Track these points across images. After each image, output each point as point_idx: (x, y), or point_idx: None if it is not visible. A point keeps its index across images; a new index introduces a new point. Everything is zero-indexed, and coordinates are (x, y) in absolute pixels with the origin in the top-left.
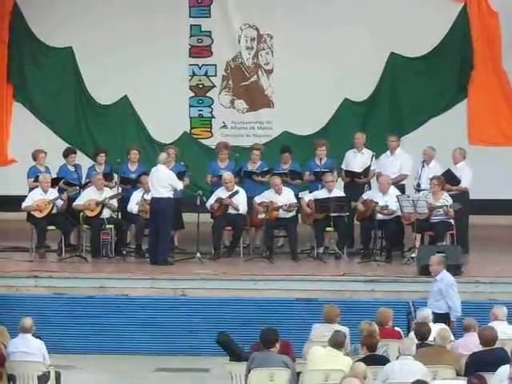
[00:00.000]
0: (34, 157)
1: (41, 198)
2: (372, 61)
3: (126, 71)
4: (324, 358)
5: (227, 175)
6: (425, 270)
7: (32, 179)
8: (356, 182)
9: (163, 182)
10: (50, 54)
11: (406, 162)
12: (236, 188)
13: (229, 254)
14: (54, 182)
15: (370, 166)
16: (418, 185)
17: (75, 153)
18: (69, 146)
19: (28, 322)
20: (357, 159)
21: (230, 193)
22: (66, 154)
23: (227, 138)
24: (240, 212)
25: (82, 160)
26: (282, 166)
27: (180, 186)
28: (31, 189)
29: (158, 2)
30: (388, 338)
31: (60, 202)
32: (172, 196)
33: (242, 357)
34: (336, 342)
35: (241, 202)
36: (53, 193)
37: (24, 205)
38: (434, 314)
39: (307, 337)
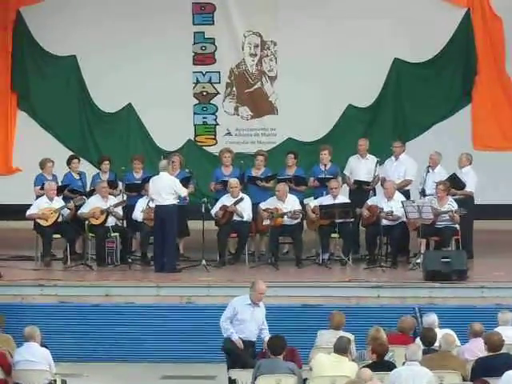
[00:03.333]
0: (42, 166)
1: (46, 207)
2: (376, 67)
3: (130, 79)
4: (329, 364)
5: (233, 181)
6: (430, 276)
7: (38, 187)
8: (362, 189)
9: (167, 189)
10: (53, 63)
11: (411, 168)
12: (241, 195)
13: (234, 261)
14: (60, 190)
15: (378, 174)
16: (423, 190)
17: (77, 159)
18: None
19: (31, 330)
20: (361, 165)
21: (235, 200)
22: (69, 160)
23: (231, 145)
24: (245, 219)
25: (86, 168)
26: (286, 171)
27: (184, 192)
28: (37, 197)
29: (161, 10)
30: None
31: (66, 211)
32: (176, 203)
33: (247, 364)
34: (340, 348)
35: (246, 209)
36: (58, 201)
37: (28, 212)
38: None
39: (313, 343)
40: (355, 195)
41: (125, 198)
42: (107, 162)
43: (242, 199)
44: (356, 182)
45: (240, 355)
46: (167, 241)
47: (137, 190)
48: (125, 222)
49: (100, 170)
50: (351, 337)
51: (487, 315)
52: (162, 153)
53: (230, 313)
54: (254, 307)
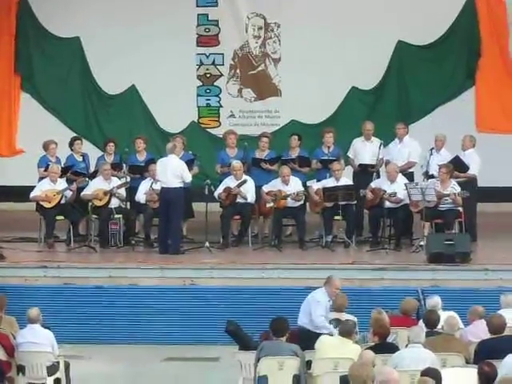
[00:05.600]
0: (45, 147)
1: (49, 189)
2: (379, 49)
3: (133, 60)
4: (333, 346)
5: (236, 163)
6: (434, 258)
7: (42, 169)
8: (366, 171)
9: (175, 171)
10: (57, 45)
11: (415, 150)
12: (244, 177)
13: (237, 243)
14: (63, 172)
15: (383, 157)
16: (427, 172)
17: (80, 140)
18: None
19: (34, 312)
20: (366, 148)
21: (239, 182)
22: (71, 142)
23: (235, 127)
24: (248, 201)
25: (90, 150)
26: (290, 152)
27: (189, 178)
28: (41, 178)
29: None
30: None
31: (69, 193)
32: (182, 186)
33: (251, 346)
34: (345, 331)
35: (249, 190)
36: (61, 183)
37: (32, 194)
38: None
39: None
40: (359, 177)
41: (128, 180)
42: (112, 144)
43: (245, 181)
44: (361, 165)
45: (243, 337)
46: (172, 223)
47: (140, 171)
48: (128, 203)
49: (105, 151)
50: (354, 319)
51: (490, 297)
52: (166, 135)
53: (323, 311)
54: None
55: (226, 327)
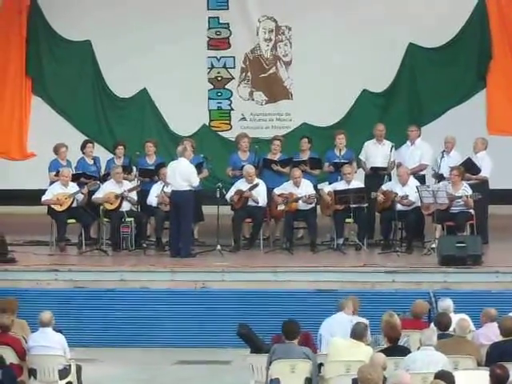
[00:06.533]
0: (56, 151)
1: (61, 192)
2: (391, 51)
3: (144, 64)
4: (345, 349)
5: (250, 168)
6: (445, 261)
7: (53, 173)
8: (378, 174)
9: (184, 175)
10: (68, 48)
11: (427, 152)
12: (256, 180)
13: (249, 246)
14: (74, 179)
15: (394, 160)
16: (441, 175)
17: (92, 143)
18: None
19: (47, 315)
20: (378, 151)
21: (251, 185)
22: (83, 145)
23: (246, 130)
24: (260, 205)
25: (101, 153)
26: (300, 155)
27: (196, 182)
28: (52, 182)
29: None
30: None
31: (80, 196)
32: (192, 189)
33: (262, 349)
34: (357, 334)
35: (260, 194)
36: (73, 187)
37: (44, 198)
38: None
39: None
40: (371, 180)
41: (139, 183)
42: (122, 147)
43: (257, 185)
44: (372, 168)
45: (255, 340)
46: (183, 226)
47: (150, 175)
48: (139, 207)
49: (115, 154)
50: (366, 322)
51: (502, 300)
52: (177, 138)
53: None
54: None
55: (237, 330)
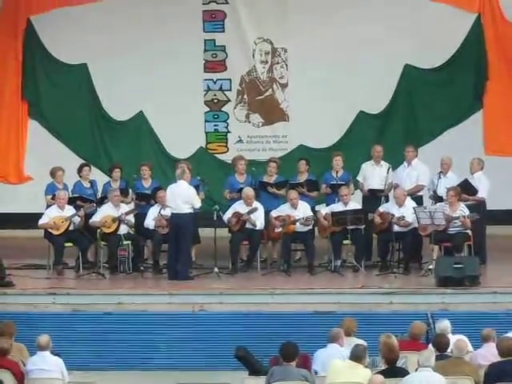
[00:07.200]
0: (52, 174)
1: (57, 215)
2: (387, 73)
3: (140, 87)
4: (343, 371)
5: (249, 191)
6: (443, 282)
7: (49, 196)
8: (375, 195)
9: (185, 197)
10: (64, 71)
11: (423, 173)
12: (255, 204)
13: (246, 268)
14: (71, 201)
15: (392, 181)
16: (435, 195)
17: (89, 166)
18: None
19: (44, 339)
20: (375, 172)
21: (249, 209)
22: (80, 168)
23: (243, 153)
24: (257, 228)
25: (98, 176)
26: (298, 177)
27: (198, 203)
28: (48, 206)
29: (172, 17)
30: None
31: (77, 219)
32: (192, 211)
33: (260, 371)
34: (356, 355)
35: (258, 218)
36: (69, 210)
37: (40, 222)
38: None
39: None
40: (368, 201)
41: (135, 207)
42: (118, 170)
43: (256, 209)
44: (370, 190)
45: (253, 362)
46: (182, 249)
47: (147, 199)
48: (136, 230)
49: (111, 178)
50: (364, 343)
51: (500, 320)
52: (174, 160)
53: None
54: None
55: (235, 353)
